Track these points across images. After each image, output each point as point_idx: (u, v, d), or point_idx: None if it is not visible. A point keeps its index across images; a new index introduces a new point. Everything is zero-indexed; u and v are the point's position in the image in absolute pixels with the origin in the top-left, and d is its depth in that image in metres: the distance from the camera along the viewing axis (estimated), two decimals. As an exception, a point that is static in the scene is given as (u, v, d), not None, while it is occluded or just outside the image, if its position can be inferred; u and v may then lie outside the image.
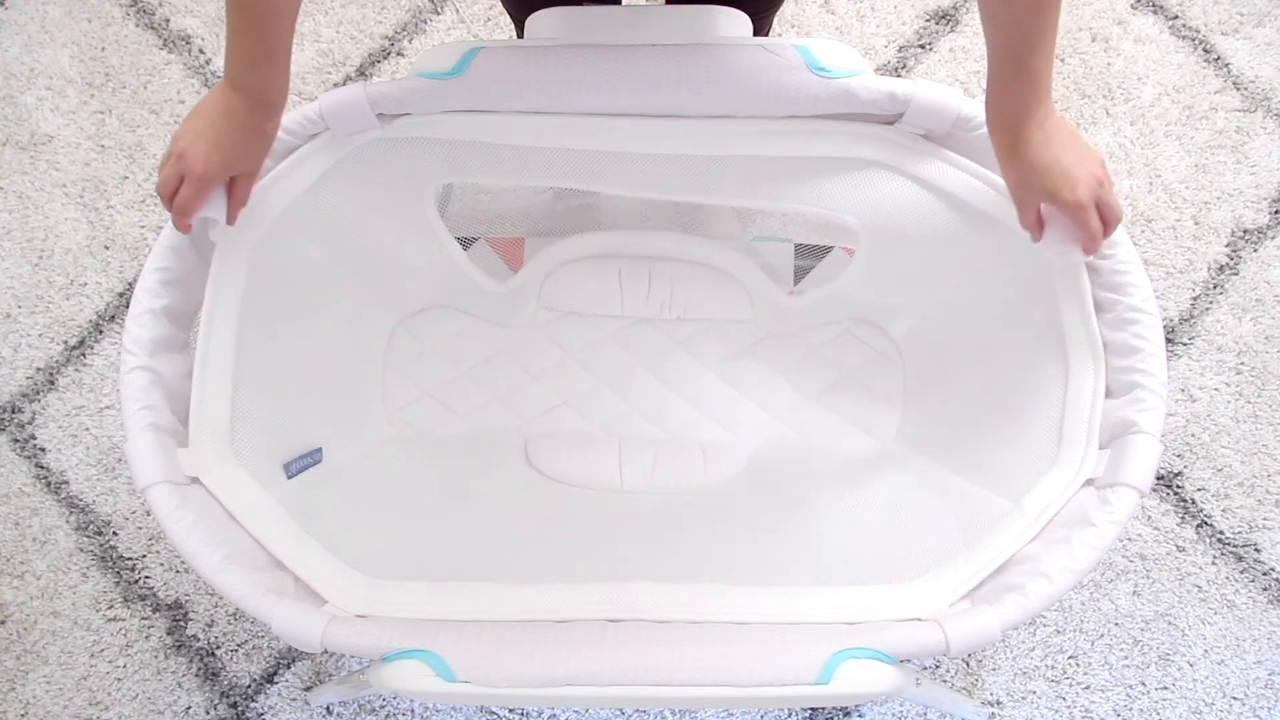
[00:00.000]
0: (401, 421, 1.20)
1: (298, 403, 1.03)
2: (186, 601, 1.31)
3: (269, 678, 1.28)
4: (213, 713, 1.27)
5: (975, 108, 0.91)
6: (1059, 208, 0.80)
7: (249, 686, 1.28)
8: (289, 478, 0.98)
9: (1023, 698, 1.27)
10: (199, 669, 1.29)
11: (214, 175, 0.81)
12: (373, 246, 1.10)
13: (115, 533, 1.33)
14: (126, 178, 1.45)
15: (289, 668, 1.28)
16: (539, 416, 1.21)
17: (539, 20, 0.92)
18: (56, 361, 1.38)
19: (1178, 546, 1.32)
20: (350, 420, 1.14)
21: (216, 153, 0.80)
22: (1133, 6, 1.50)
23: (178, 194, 0.81)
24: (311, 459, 1.02)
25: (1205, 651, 1.28)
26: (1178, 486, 1.34)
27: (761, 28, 1.04)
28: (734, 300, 1.23)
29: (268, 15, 0.76)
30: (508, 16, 1.09)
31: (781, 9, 1.43)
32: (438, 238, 1.13)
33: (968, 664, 1.28)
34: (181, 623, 1.30)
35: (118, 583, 1.31)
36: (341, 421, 1.11)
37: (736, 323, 1.24)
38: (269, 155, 0.91)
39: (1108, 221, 0.81)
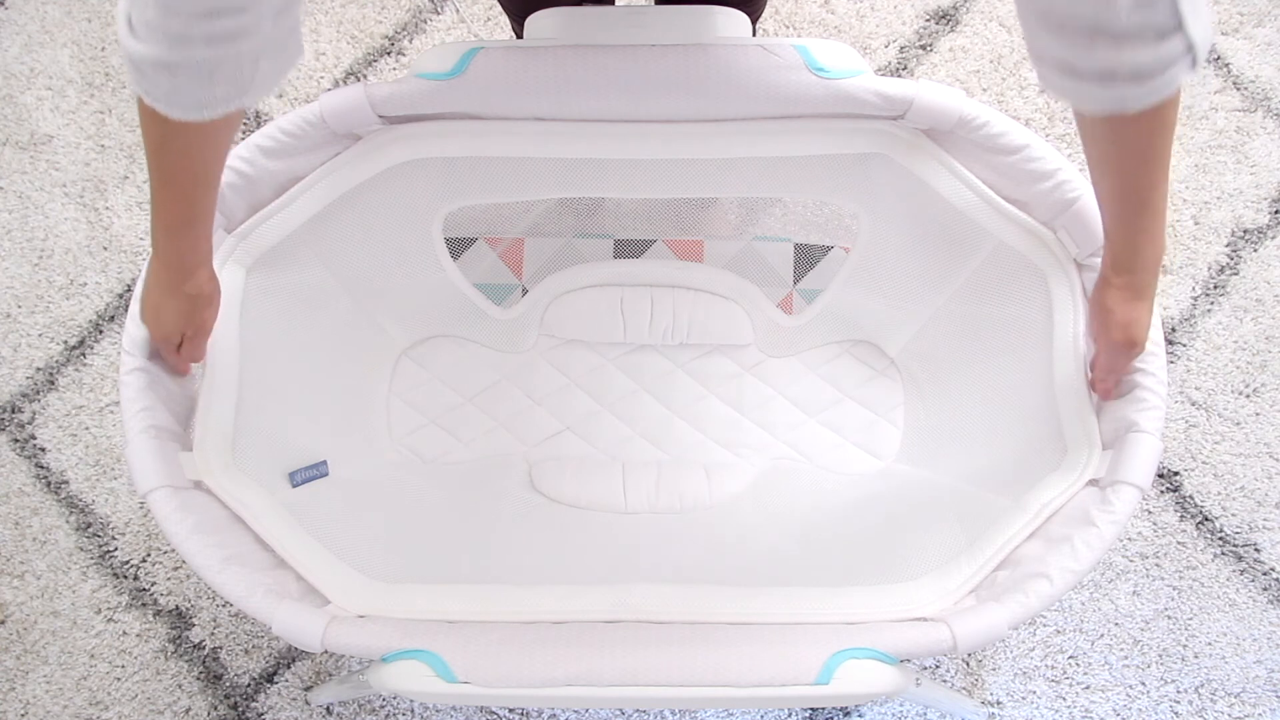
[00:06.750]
0: (406, 448, 1.22)
1: (301, 420, 1.04)
2: (187, 602, 1.31)
3: (269, 677, 1.28)
4: (213, 713, 1.27)
5: (977, 109, 0.91)
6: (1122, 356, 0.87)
7: (249, 686, 1.28)
8: (294, 486, 0.99)
9: (1023, 698, 1.27)
10: (199, 669, 1.29)
11: (160, 343, 0.86)
12: (376, 275, 1.11)
13: (116, 533, 1.33)
14: (126, 178, 1.44)
15: (289, 667, 1.28)
16: (542, 441, 1.22)
17: (538, 20, 0.92)
18: (56, 361, 1.38)
19: (1178, 545, 1.32)
20: (355, 445, 1.14)
21: (153, 322, 0.85)
22: (1133, 6, 1.50)
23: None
24: (317, 470, 1.02)
25: (1205, 651, 1.28)
26: (1177, 486, 1.34)
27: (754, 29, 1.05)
28: (735, 324, 1.24)
29: (191, 184, 0.77)
30: (508, 17, 1.10)
31: (780, 8, 1.43)
32: (442, 266, 1.15)
33: (968, 664, 1.28)
34: (182, 623, 1.30)
35: (118, 583, 1.31)
36: (346, 445, 1.11)
37: (738, 346, 1.25)
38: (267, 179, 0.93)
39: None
